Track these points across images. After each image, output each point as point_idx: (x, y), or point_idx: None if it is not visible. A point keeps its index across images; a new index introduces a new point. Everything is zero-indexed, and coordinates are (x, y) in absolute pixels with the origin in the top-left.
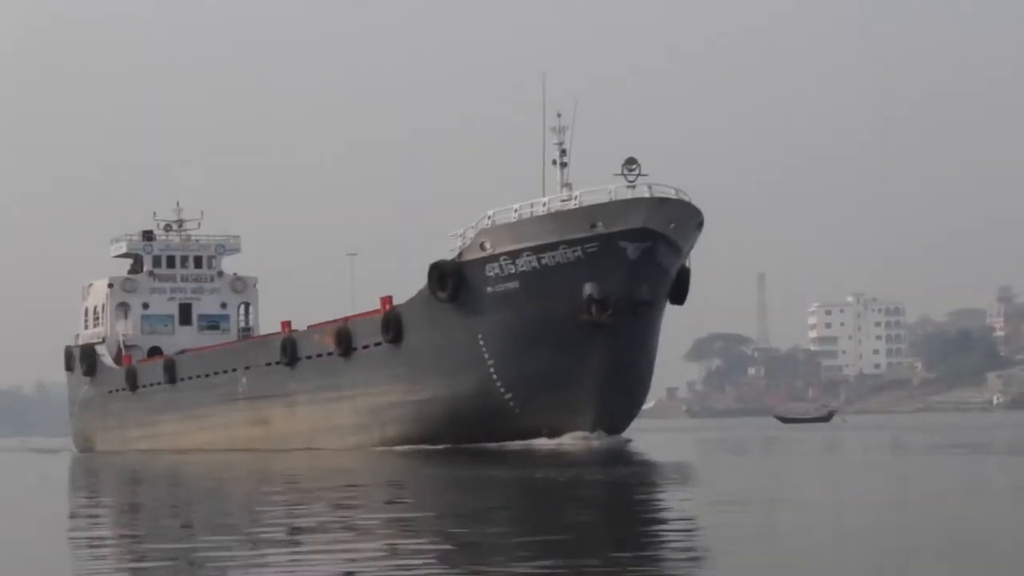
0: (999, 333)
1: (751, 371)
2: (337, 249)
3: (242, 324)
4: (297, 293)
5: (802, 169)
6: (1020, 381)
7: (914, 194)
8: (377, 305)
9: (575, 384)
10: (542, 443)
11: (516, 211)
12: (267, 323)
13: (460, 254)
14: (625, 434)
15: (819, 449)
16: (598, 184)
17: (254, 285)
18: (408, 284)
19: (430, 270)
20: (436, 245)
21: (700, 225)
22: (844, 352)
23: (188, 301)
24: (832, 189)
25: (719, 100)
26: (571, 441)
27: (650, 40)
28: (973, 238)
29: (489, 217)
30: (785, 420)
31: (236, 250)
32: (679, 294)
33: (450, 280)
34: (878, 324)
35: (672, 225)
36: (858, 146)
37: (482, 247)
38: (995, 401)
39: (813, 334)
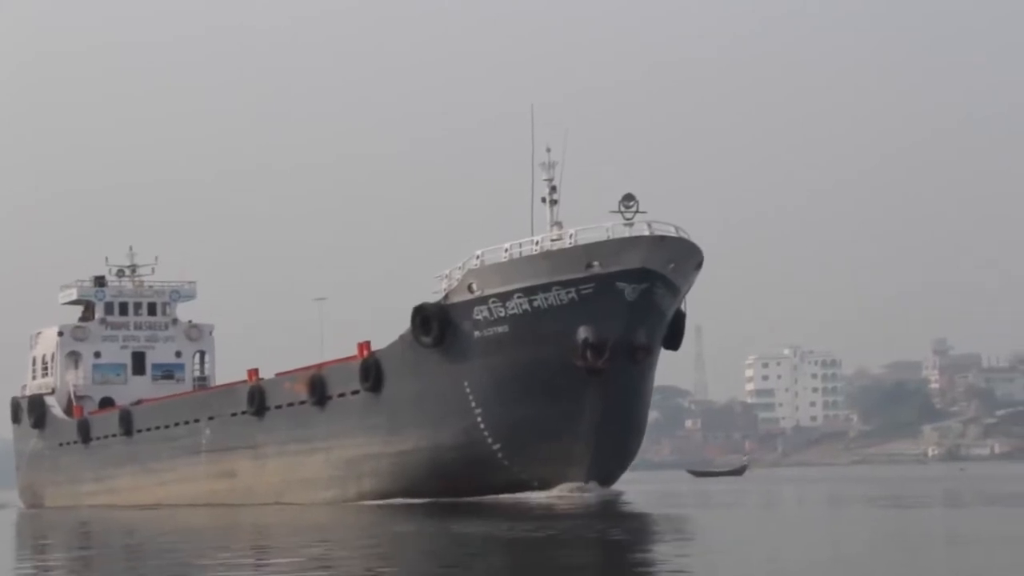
0: (934, 386)
1: (688, 424)
2: (301, 295)
3: (197, 373)
4: (257, 342)
5: (740, 223)
6: (955, 433)
7: (852, 248)
8: (350, 352)
9: (568, 433)
10: (533, 496)
11: (507, 250)
12: (224, 372)
13: (446, 296)
14: (616, 486)
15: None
16: (590, 222)
17: (210, 333)
18: (384, 329)
19: (413, 313)
20: (412, 289)
21: (699, 265)
22: (781, 405)
23: (141, 349)
24: (770, 243)
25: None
26: (563, 493)
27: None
28: (910, 292)
29: (477, 257)
30: (697, 474)
31: (191, 296)
32: (673, 338)
33: (435, 324)
34: (814, 376)
35: (671, 265)
36: (797, 203)
37: (470, 288)
38: (930, 453)
39: (750, 387)
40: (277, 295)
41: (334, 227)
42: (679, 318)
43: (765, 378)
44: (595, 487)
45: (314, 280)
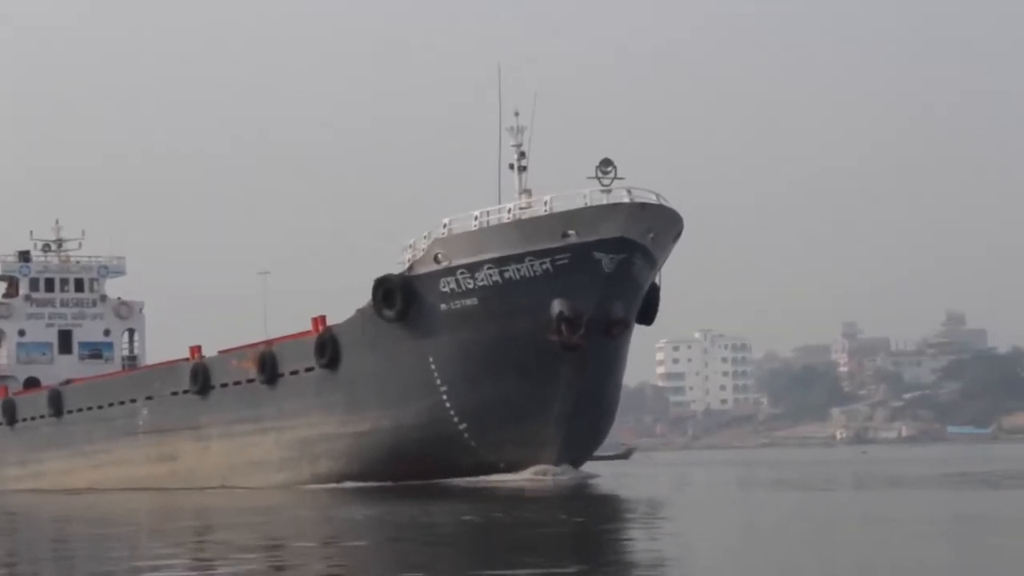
0: (843, 369)
1: None
2: (240, 270)
3: (126, 352)
4: (191, 320)
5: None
6: (862, 416)
7: (760, 232)
8: (297, 328)
9: (540, 413)
10: (502, 479)
11: (476, 218)
12: (154, 352)
13: (410, 267)
14: (585, 467)
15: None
16: (559, 190)
17: (140, 310)
18: (336, 304)
19: (375, 285)
20: (364, 263)
21: (678, 235)
22: (692, 388)
23: (68, 328)
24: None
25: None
26: (533, 476)
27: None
28: (819, 275)
29: (445, 225)
30: None
31: (121, 272)
32: (647, 313)
33: (398, 296)
34: (725, 360)
35: (651, 235)
36: (708, 184)
37: (436, 259)
38: (838, 436)
39: (661, 370)
40: (212, 271)
41: (278, 200)
42: (654, 291)
43: (676, 361)
44: (568, 469)
45: (256, 255)
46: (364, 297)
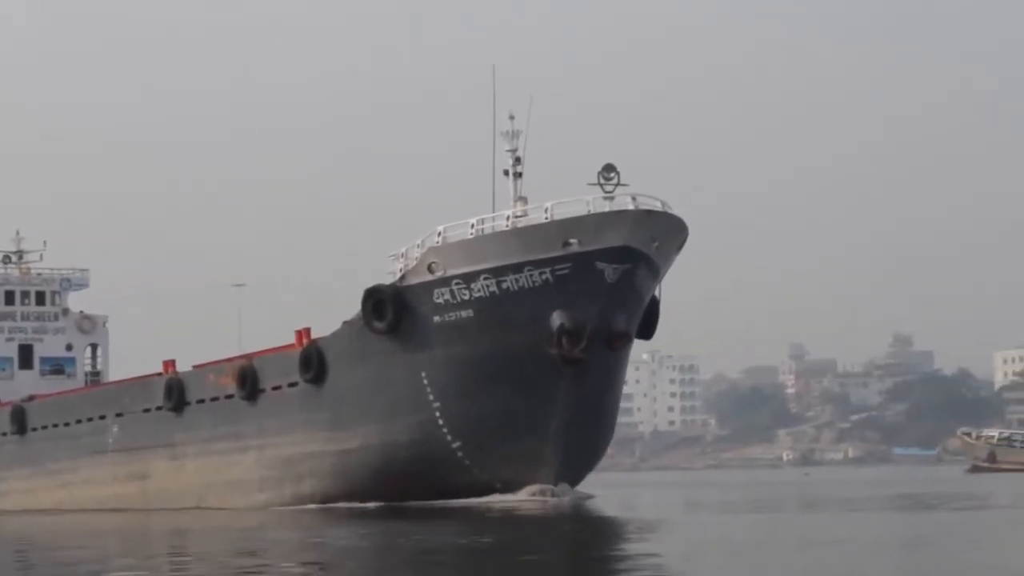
0: (790, 391)
1: None
2: (212, 283)
3: (89, 368)
4: (159, 335)
5: None
6: (809, 437)
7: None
8: (278, 342)
9: (537, 430)
10: (497, 500)
11: (473, 226)
12: (118, 367)
13: (402, 277)
14: (581, 487)
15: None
16: (556, 197)
17: (104, 324)
18: (316, 317)
19: (365, 296)
20: (349, 273)
21: (682, 245)
22: (639, 409)
23: (29, 342)
24: None
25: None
26: (530, 497)
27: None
28: (766, 296)
29: (439, 234)
30: None
31: (84, 285)
32: (647, 327)
33: (389, 308)
34: (672, 381)
35: (656, 244)
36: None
37: (430, 269)
38: (784, 457)
39: None
40: (181, 284)
41: (251, 211)
42: (653, 304)
43: (624, 383)
44: (565, 489)
45: (229, 268)
46: (349, 309)
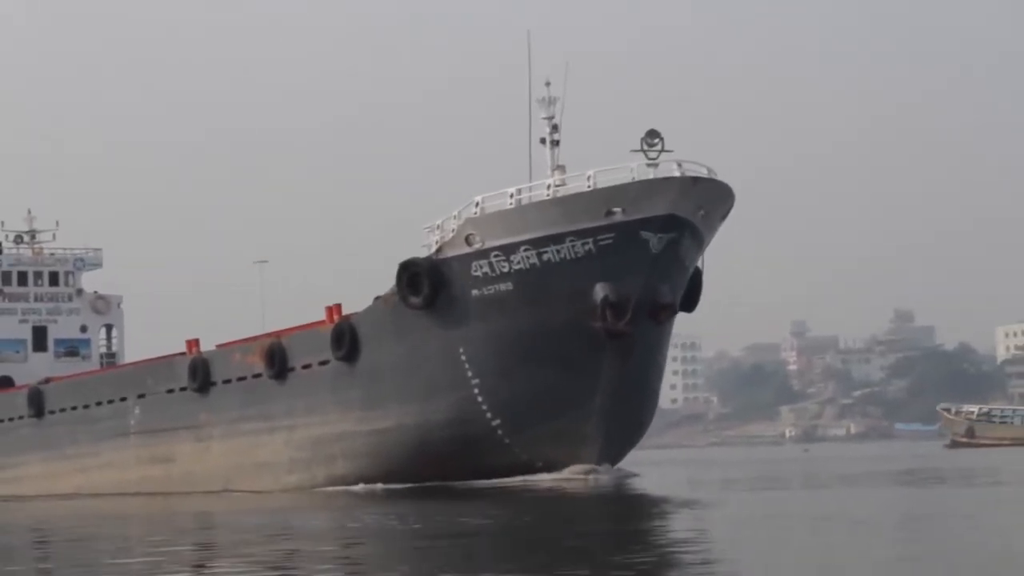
0: (792, 367)
1: None
2: (229, 260)
3: (104, 349)
4: (176, 314)
5: None
6: (811, 414)
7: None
8: (303, 320)
9: (580, 407)
10: (539, 479)
11: (512, 196)
12: (134, 348)
13: (438, 250)
14: (623, 464)
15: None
16: (595, 165)
17: (118, 305)
18: (345, 293)
19: (400, 270)
20: (377, 249)
21: (727, 213)
22: None
23: (43, 324)
24: None
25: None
26: (573, 476)
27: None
28: (767, 273)
29: (477, 204)
30: None
31: (97, 265)
32: (690, 298)
33: (425, 282)
34: (675, 359)
35: (701, 212)
36: None
37: (468, 241)
38: (787, 434)
39: None
40: (199, 262)
41: (272, 187)
42: (697, 274)
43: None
44: (608, 468)
45: (247, 245)
46: (378, 285)
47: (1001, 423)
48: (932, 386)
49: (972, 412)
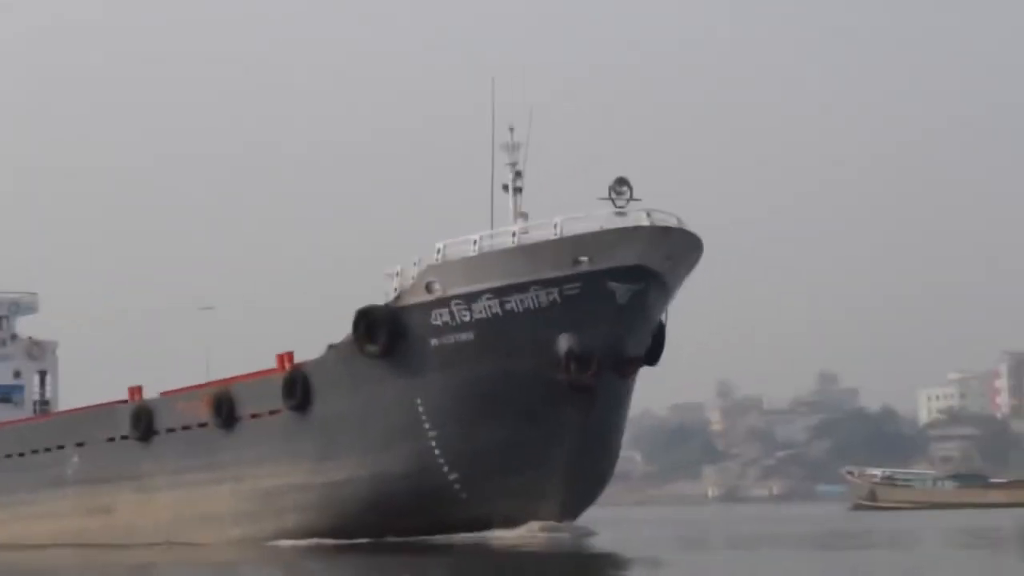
0: (716, 427)
1: None
2: (174, 305)
3: (38, 396)
4: (117, 360)
5: None
6: (735, 474)
7: None
8: (250, 368)
9: (542, 462)
10: (496, 535)
11: (475, 243)
12: (69, 396)
13: (398, 297)
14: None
15: None
16: (560, 213)
17: (53, 351)
18: (296, 341)
19: (357, 318)
20: (330, 298)
21: (694, 264)
22: None
23: None
24: None
25: None
26: (532, 533)
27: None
28: (693, 333)
29: (439, 251)
30: None
31: (32, 310)
32: (653, 352)
33: (383, 330)
34: None
35: (669, 263)
36: None
37: (428, 288)
38: (710, 494)
39: None
40: (139, 308)
41: (218, 229)
42: (660, 328)
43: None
44: (568, 525)
45: (193, 291)
46: (332, 332)
47: (903, 487)
48: (855, 448)
49: (875, 475)
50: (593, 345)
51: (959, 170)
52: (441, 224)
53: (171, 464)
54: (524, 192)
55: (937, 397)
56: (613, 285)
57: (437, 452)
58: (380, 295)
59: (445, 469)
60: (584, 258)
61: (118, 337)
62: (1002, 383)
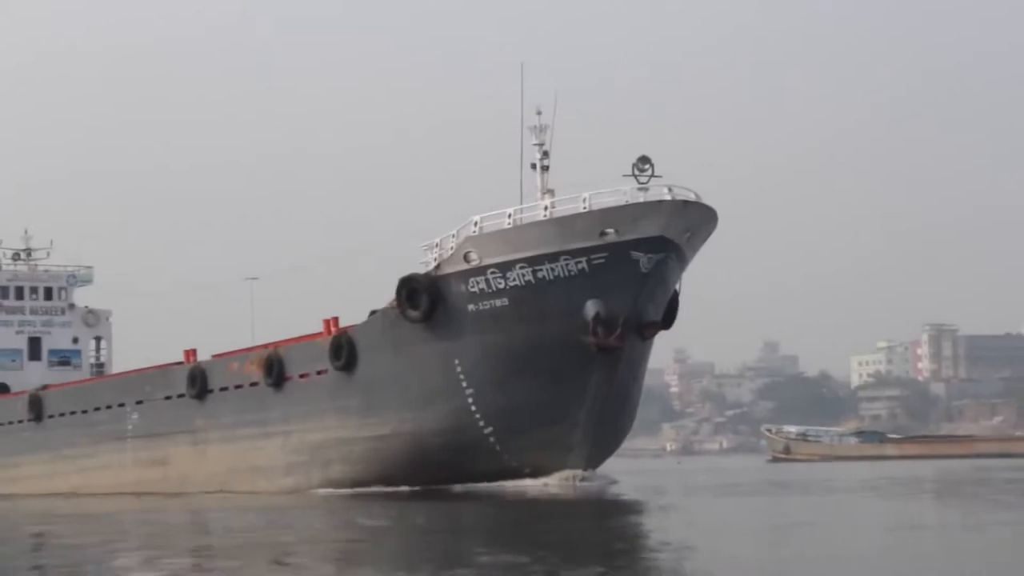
0: (674, 389)
1: None
2: (218, 276)
3: (94, 360)
4: (160, 329)
5: None
6: (689, 431)
7: None
8: (294, 333)
9: (569, 417)
10: (527, 484)
11: (510, 216)
12: (121, 360)
13: (437, 266)
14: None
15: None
16: (583, 190)
17: (108, 319)
18: (340, 309)
19: (399, 285)
20: (367, 269)
21: (708, 236)
22: None
23: (38, 335)
24: None
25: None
26: (559, 482)
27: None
28: None
29: (476, 223)
30: None
31: (88, 281)
32: (668, 317)
33: (424, 297)
34: None
35: (687, 234)
36: None
37: (466, 258)
38: (668, 448)
39: None
40: (188, 279)
41: (259, 207)
42: (674, 295)
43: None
44: (593, 475)
45: (236, 263)
46: (370, 301)
47: (813, 442)
48: (795, 408)
49: (791, 432)
50: (618, 310)
51: (887, 155)
52: (473, 201)
53: (224, 420)
54: (550, 170)
55: (867, 363)
56: (637, 255)
57: (473, 409)
58: (405, 267)
59: (481, 424)
60: (610, 230)
61: (167, 306)
62: (923, 351)
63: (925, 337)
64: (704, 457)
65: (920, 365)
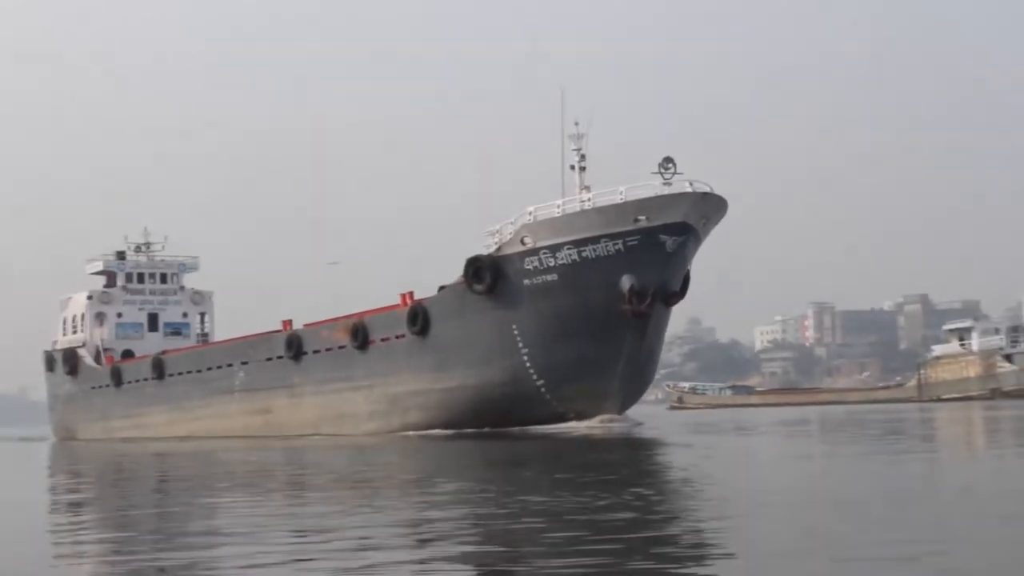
0: None
1: None
2: (307, 260)
3: (199, 331)
4: (249, 307)
5: None
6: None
7: None
8: (372, 306)
9: (606, 371)
10: (572, 426)
11: (559, 207)
12: (221, 331)
13: (498, 248)
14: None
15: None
16: (616, 185)
17: (210, 298)
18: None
19: (467, 264)
20: (420, 254)
21: (718, 221)
22: None
23: (155, 311)
24: None
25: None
26: (598, 424)
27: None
28: None
29: (530, 213)
30: None
31: (195, 268)
32: (683, 289)
33: (487, 273)
34: None
35: (704, 220)
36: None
37: (522, 241)
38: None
39: None
40: (279, 262)
41: (346, 204)
42: (687, 271)
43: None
44: (625, 418)
45: (318, 248)
46: (435, 281)
47: (700, 394)
48: (713, 368)
49: (684, 387)
50: (648, 283)
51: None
52: (520, 197)
53: (317, 376)
54: (587, 170)
55: (767, 332)
56: (663, 237)
57: (528, 365)
58: (463, 250)
59: (534, 377)
60: (642, 217)
61: (260, 285)
62: (809, 323)
63: (811, 312)
64: (640, 406)
65: (807, 334)
